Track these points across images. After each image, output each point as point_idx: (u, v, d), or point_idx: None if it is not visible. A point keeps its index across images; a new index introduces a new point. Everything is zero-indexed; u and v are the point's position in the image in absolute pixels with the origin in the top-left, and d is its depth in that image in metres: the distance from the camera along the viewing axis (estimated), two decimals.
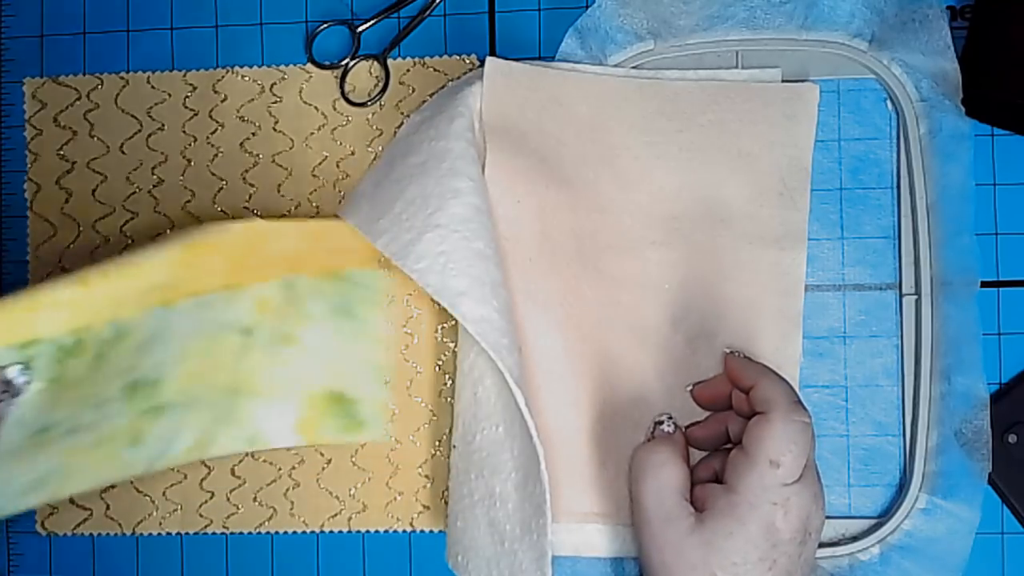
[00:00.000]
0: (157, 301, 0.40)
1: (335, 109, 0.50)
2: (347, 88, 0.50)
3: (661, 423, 0.44)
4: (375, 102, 0.49)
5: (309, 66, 0.50)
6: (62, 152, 0.51)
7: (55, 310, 0.35)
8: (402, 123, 0.49)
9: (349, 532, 0.49)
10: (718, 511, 0.37)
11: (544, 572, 0.40)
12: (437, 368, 0.49)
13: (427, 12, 0.50)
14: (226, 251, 0.42)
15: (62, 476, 0.39)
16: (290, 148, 0.50)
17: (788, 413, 0.37)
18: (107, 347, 0.37)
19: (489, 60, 0.47)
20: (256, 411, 0.45)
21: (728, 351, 0.45)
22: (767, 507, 0.36)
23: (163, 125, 0.51)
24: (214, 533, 0.50)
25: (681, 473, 0.40)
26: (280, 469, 0.49)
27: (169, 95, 0.51)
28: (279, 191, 0.50)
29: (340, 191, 0.50)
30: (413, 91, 0.49)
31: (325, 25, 0.50)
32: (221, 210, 0.50)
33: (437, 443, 0.49)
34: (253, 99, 0.50)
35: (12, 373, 0.33)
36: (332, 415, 0.46)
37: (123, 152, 0.51)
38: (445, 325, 0.49)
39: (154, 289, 0.39)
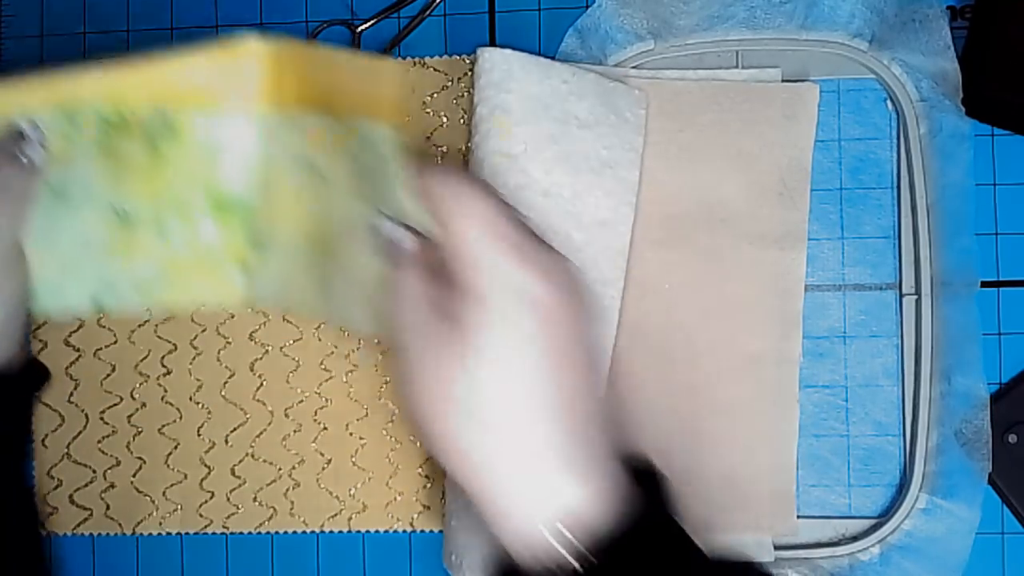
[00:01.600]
0: (197, 104, 0.34)
1: None
2: None
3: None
4: None
5: None
6: None
7: (89, 85, 0.34)
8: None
9: (349, 532, 0.49)
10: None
11: None
12: None
13: (427, 12, 0.49)
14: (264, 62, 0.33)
15: (167, 283, 0.36)
16: None
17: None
18: (159, 137, 0.35)
19: (488, 52, 0.46)
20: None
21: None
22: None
23: None
24: (214, 533, 0.50)
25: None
26: (280, 469, 0.49)
27: None
28: None
29: None
30: (413, 91, 0.49)
31: (325, 25, 0.50)
32: None
33: None
34: None
35: (25, 126, 0.34)
36: None
37: None
38: None
39: (191, 92, 0.34)
